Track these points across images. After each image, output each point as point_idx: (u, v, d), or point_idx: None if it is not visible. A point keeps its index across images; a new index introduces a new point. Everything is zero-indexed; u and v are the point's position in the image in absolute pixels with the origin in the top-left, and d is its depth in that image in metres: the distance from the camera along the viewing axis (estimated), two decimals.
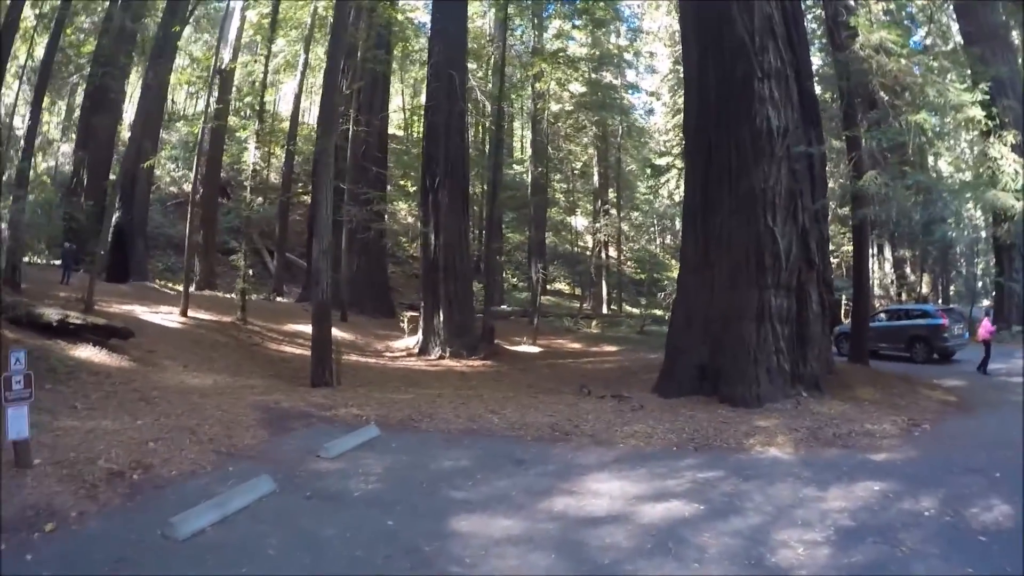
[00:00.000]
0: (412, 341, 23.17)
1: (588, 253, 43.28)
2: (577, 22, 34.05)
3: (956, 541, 7.17)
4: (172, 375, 15.57)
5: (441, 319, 22.15)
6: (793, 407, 13.97)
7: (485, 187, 36.07)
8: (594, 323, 33.34)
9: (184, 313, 21.96)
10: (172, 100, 42.76)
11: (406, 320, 24.15)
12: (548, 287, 45.55)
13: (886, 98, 16.21)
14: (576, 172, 44.55)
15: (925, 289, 38.65)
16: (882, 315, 23.48)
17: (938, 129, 15.38)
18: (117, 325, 16.48)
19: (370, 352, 22.60)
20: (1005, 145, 17.55)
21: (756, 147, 15.06)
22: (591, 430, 12.36)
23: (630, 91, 44.32)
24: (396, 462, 10.04)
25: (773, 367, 14.46)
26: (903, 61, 15.46)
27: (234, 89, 34.11)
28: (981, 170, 17.31)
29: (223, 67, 31.42)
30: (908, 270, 40.95)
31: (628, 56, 44.75)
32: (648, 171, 32.92)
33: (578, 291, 44.69)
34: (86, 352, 14.85)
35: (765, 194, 14.78)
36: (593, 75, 38.66)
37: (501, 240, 35.96)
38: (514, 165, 40.54)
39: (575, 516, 8.00)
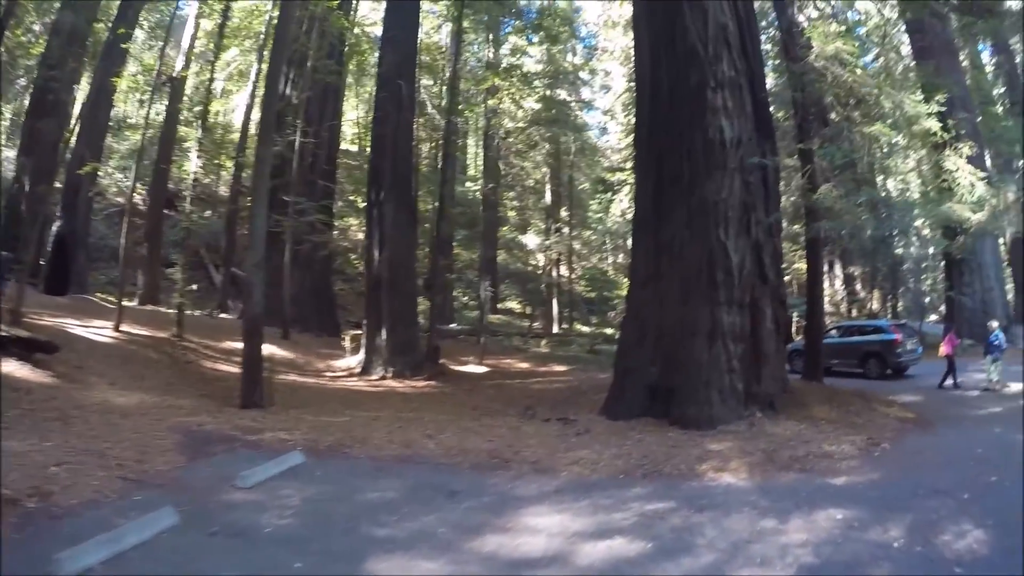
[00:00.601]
0: (354, 360, 21.98)
1: (539, 271, 42.25)
2: (533, 38, 33.06)
3: None
4: (97, 393, 14.23)
5: (384, 337, 21.00)
6: (747, 428, 13.19)
7: (436, 204, 35.14)
8: (544, 342, 32.30)
9: (117, 328, 20.47)
10: (124, 108, 40.72)
11: (348, 338, 22.83)
12: (499, 306, 44.67)
13: (841, 111, 15.51)
14: (529, 190, 43.63)
15: (876, 305, 38.45)
16: (834, 331, 22.93)
17: (894, 141, 14.69)
18: (42, 339, 15.09)
19: (310, 372, 21.37)
20: (961, 157, 17.06)
21: (709, 158, 14.33)
22: (532, 456, 11.42)
23: (584, 109, 43.72)
24: (318, 493, 9.04)
25: (726, 387, 13.65)
26: (859, 71, 14.80)
27: (185, 98, 32.63)
28: (936, 184, 16.78)
29: (174, 75, 30.03)
30: (859, 286, 40.80)
31: (584, 75, 44.20)
32: (599, 187, 32.06)
33: (529, 310, 43.64)
34: (8, 367, 13.49)
35: (718, 206, 14.03)
36: (548, 92, 37.91)
37: (451, 257, 34.87)
38: (467, 183, 39.35)
39: (507, 557, 7.10)
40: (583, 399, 17.31)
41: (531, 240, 44.56)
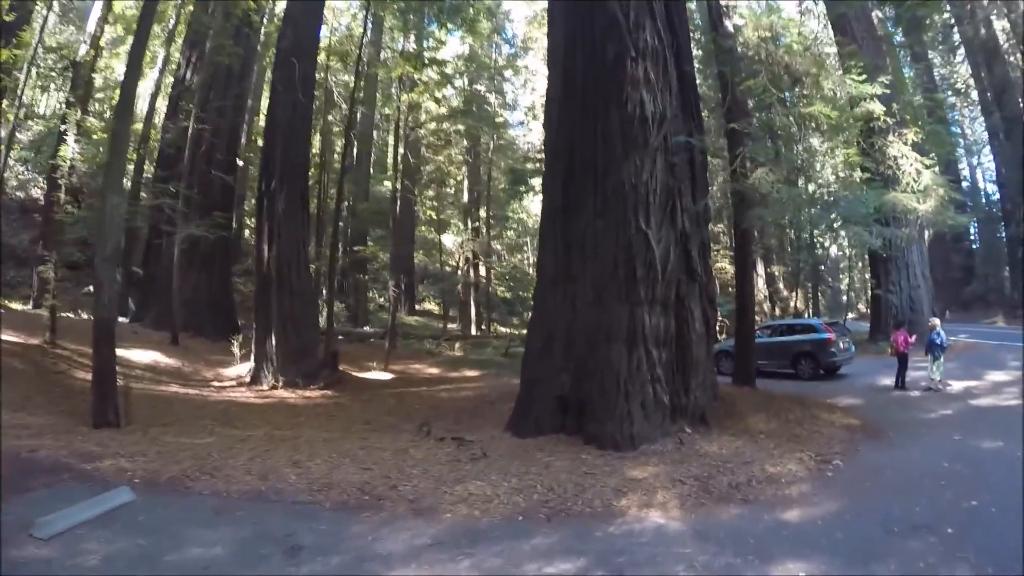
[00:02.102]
0: (245, 368, 18.97)
1: (456, 271, 39.47)
2: (451, 30, 30.07)
3: None
4: None
5: (274, 343, 18.04)
6: (675, 448, 10.98)
7: (350, 202, 32.15)
8: (457, 345, 29.44)
9: None
10: (23, 95, 36.32)
11: (238, 344, 19.69)
12: (417, 307, 41.83)
13: (773, 92, 13.28)
14: (447, 189, 40.74)
15: (798, 304, 37.06)
16: (764, 331, 20.82)
17: (834, 123, 12.51)
18: None
19: (196, 382, 18.38)
20: (906, 144, 15.04)
21: (627, 136, 11.94)
22: (413, 492, 9.06)
23: (507, 108, 40.80)
24: (127, 548, 6.97)
25: (649, 399, 11.27)
26: (795, 47, 12.60)
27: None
28: (876, 172, 14.80)
29: (77, 59, 26.55)
30: (781, 285, 39.41)
31: (508, 73, 41.68)
32: (509, 179, 29.25)
33: (450, 311, 40.87)
34: None
35: (637, 191, 11.62)
36: (467, 87, 35.26)
37: (348, 255, 31.88)
38: (385, 182, 35.93)
39: None
40: (490, 411, 14.78)
41: (450, 240, 41.58)
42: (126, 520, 7.68)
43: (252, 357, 18.71)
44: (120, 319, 24.50)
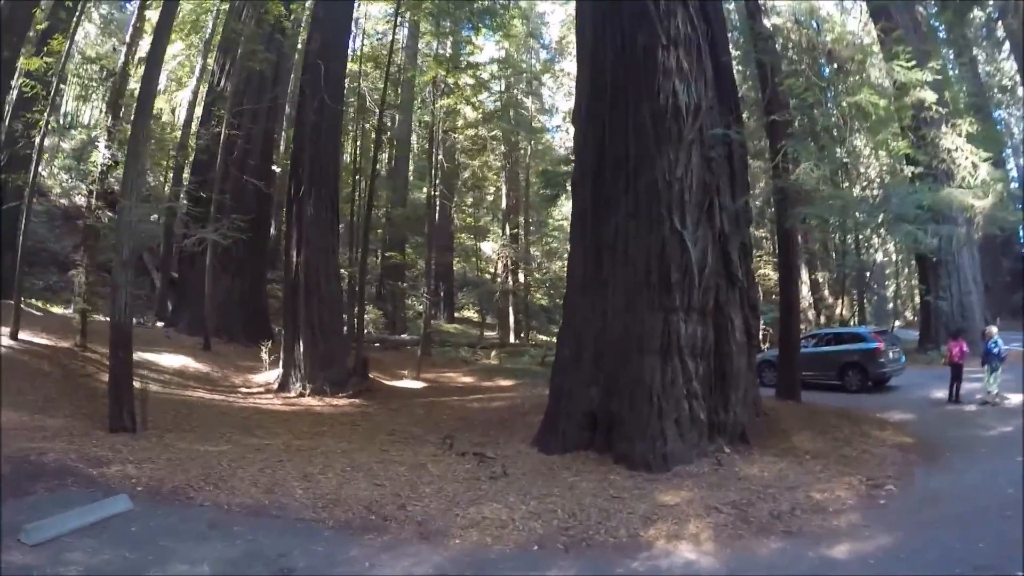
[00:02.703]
0: (274, 375, 18.19)
1: (495, 278, 38.25)
2: (487, 32, 29.00)
3: None
4: None
5: (301, 350, 17.23)
6: (712, 470, 9.86)
7: (388, 208, 31.28)
8: (494, 353, 28.21)
9: (15, 336, 16.79)
10: (65, 104, 36.39)
11: (267, 351, 18.92)
12: (456, 315, 40.77)
13: (817, 80, 12.02)
14: (487, 195, 39.61)
15: (844, 311, 35.21)
16: (808, 340, 19.32)
17: (882, 113, 11.17)
18: None
19: (223, 387, 17.66)
20: (960, 135, 13.52)
21: (659, 129, 10.84)
22: (423, 513, 8.20)
23: (545, 114, 39.46)
24: (111, 560, 6.51)
25: (684, 416, 10.12)
26: (837, 30, 11.34)
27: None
28: (930, 166, 13.27)
29: (115, 68, 26.22)
30: (826, 292, 37.54)
31: (546, 78, 40.51)
32: (541, 184, 27.89)
33: (487, 319, 39.68)
34: None
35: (671, 188, 10.50)
36: (504, 92, 34.21)
37: (384, 262, 30.92)
38: (424, 188, 34.84)
39: None
40: (520, 423, 13.71)
41: (488, 246, 40.43)
42: (118, 530, 7.21)
43: (280, 364, 17.92)
44: (159, 324, 24.21)
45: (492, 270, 38.15)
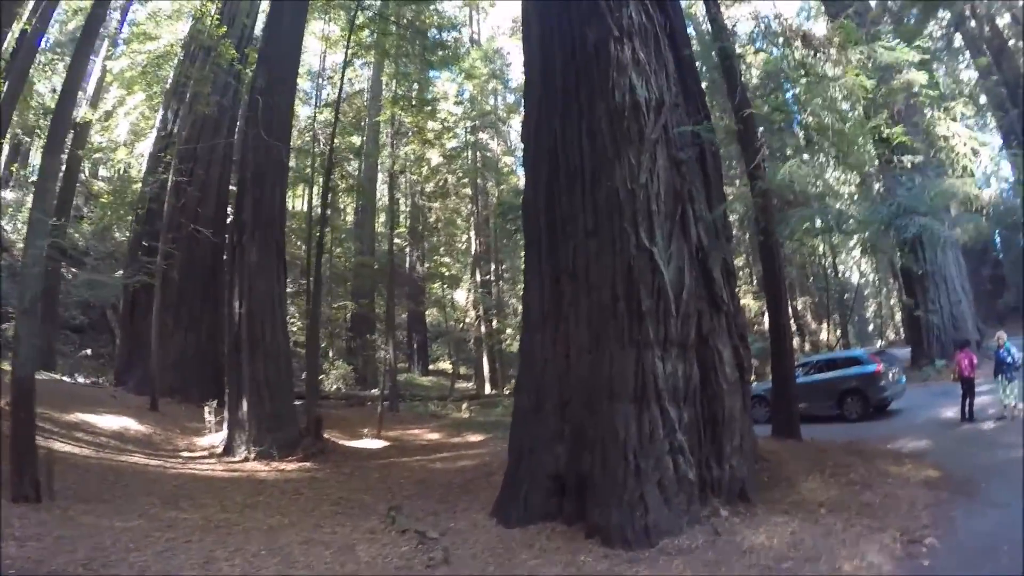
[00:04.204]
0: (220, 438, 15.59)
1: (466, 328, 35.50)
2: (440, 72, 27.01)
3: None
4: None
5: (246, 409, 14.70)
6: (707, 541, 7.46)
7: (354, 258, 28.91)
8: (464, 406, 25.30)
9: None
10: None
11: (211, 411, 16.31)
12: (432, 366, 37.99)
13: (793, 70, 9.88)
14: (458, 244, 36.94)
15: (827, 336, 32.97)
16: (799, 369, 16.78)
17: (871, 96, 9.03)
18: None
19: (164, 452, 15.08)
20: (954, 120, 11.38)
21: (616, 130, 8.65)
22: None
23: (511, 154, 37.02)
24: None
25: (668, 476, 7.69)
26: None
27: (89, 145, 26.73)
28: (932, 154, 11.10)
29: (77, 119, 24.26)
30: (809, 318, 35.33)
31: (514, 120, 38.43)
32: (500, 212, 25.37)
33: (462, 370, 36.85)
34: None
35: (635, 197, 8.23)
36: (470, 136, 32.03)
37: (371, 314, 28.37)
38: (395, 238, 32.30)
39: None
40: (484, 485, 11.22)
41: (461, 295, 37.57)
42: None
43: (225, 425, 15.37)
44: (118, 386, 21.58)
45: (467, 319, 35.44)
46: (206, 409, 16.39)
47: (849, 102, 9.32)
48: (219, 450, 15.20)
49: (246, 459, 14.50)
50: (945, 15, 25.40)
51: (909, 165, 9.50)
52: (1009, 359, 12.75)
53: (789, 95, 10.72)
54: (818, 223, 9.92)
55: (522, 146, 11.78)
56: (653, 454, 7.62)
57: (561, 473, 8.46)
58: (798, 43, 9.93)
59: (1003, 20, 31.89)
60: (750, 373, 9.32)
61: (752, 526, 7.68)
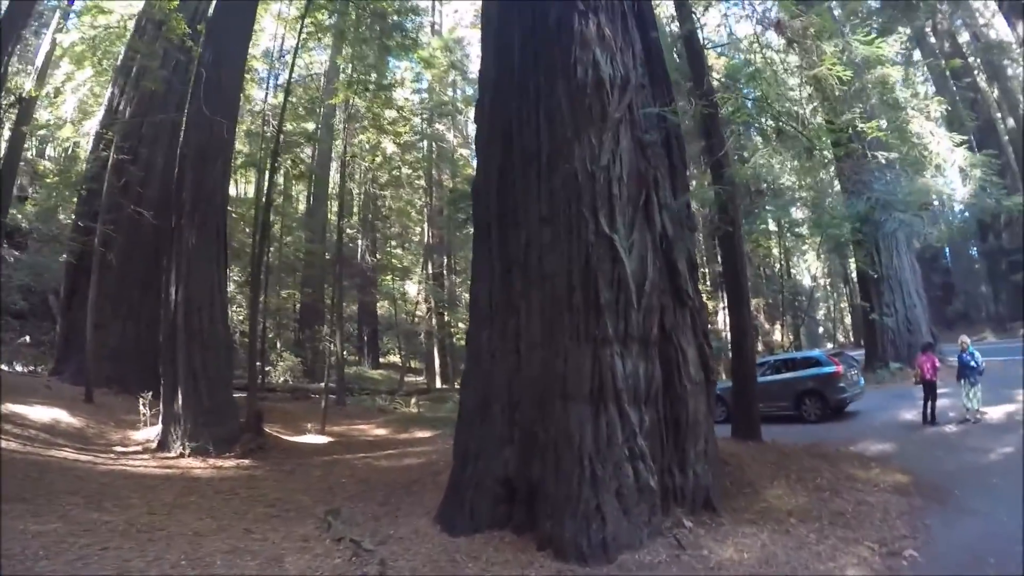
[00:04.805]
0: (155, 432, 14.38)
1: (416, 321, 34.32)
2: (402, 54, 25.75)
3: None
4: None
5: (180, 402, 13.54)
6: (671, 556, 6.73)
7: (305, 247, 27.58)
8: (413, 401, 24.00)
9: None
10: None
11: (146, 403, 15.05)
12: (383, 360, 36.71)
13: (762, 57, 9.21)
14: (411, 235, 35.67)
15: (780, 337, 32.77)
16: (757, 369, 16.22)
17: (846, 87, 8.38)
18: None
19: (96, 446, 13.85)
20: (928, 118, 10.84)
21: (577, 109, 7.82)
22: None
23: (468, 147, 35.83)
24: None
25: (627, 484, 6.91)
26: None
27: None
28: (905, 151, 10.56)
29: (23, 93, 22.74)
30: (762, 319, 35.11)
31: (471, 112, 37.36)
32: (450, 202, 24.35)
33: (413, 364, 35.68)
34: None
35: (594, 181, 7.41)
36: (426, 127, 30.90)
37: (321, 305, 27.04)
38: (348, 229, 30.83)
39: None
40: (430, 486, 10.34)
41: (413, 287, 36.26)
42: None
43: (160, 419, 14.16)
44: (53, 377, 20.07)
45: (419, 312, 34.23)
46: (141, 401, 15.12)
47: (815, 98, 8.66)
48: (154, 445, 14.02)
49: (181, 455, 13.38)
50: (905, 30, 25.20)
51: (883, 161, 8.90)
52: (973, 363, 12.44)
53: (749, 100, 10.03)
54: (795, 214, 9.26)
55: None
56: (611, 460, 6.82)
57: (510, 478, 7.62)
58: (768, 35, 9.22)
59: (962, 38, 32.16)
60: (714, 373, 8.57)
61: (719, 538, 7.00)
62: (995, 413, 12.77)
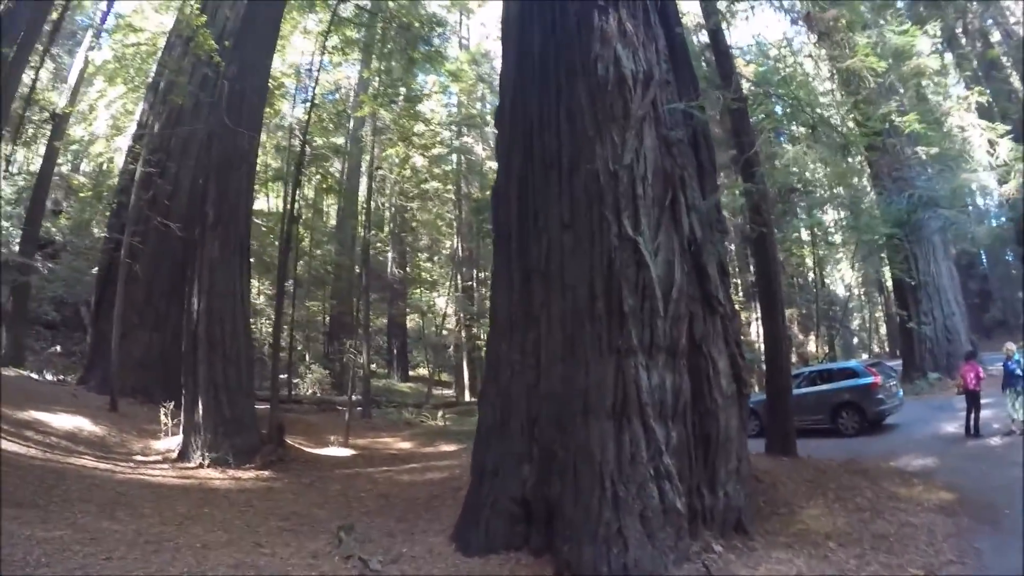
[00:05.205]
0: (176, 441, 14.15)
1: (446, 333, 33.77)
2: (424, 65, 25.43)
3: None
4: None
5: (201, 412, 13.27)
6: None
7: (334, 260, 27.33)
8: (440, 414, 23.43)
9: None
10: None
11: (168, 413, 14.81)
12: (412, 372, 36.19)
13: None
14: (442, 249, 35.24)
15: (815, 348, 31.70)
16: (792, 380, 15.46)
17: (881, 80, 7.78)
18: None
19: (117, 455, 13.64)
20: (968, 110, 10.11)
21: (599, 106, 7.35)
22: None
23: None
24: None
25: (652, 506, 6.35)
26: None
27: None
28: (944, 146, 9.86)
29: (56, 110, 23.11)
30: (796, 329, 34.07)
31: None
32: (475, 211, 23.97)
33: (443, 377, 35.22)
34: None
35: (617, 181, 6.91)
36: (454, 140, 30.58)
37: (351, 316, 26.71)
38: (374, 240, 30.42)
39: None
40: (451, 502, 9.88)
41: (443, 300, 35.68)
42: None
43: (180, 429, 13.92)
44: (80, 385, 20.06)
45: (445, 324, 33.77)
46: (162, 411, 14.89)
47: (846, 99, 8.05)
48: (174, 455, 13.78)
49: (201, 465, 13.11)
50: (936, 27, 24.27)
51: (924, 156, 8.26)
52: (1020, 371, 11.59)
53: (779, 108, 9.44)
54: (827, 219, 8.65)
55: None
56: (635, 480, 6.28)
57: (528, 498, 7.11)
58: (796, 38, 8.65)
59: (994, 37, 30.98)
60: (748, 386, 7.97)
61: (751, 564, 6.42)
62: None
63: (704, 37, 15.72)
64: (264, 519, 10.07)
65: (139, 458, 14.02)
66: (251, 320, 23.20)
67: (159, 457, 14.12)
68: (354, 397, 21.31)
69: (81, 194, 28.16)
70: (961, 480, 9.16)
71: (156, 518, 9.48)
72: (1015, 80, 29.97)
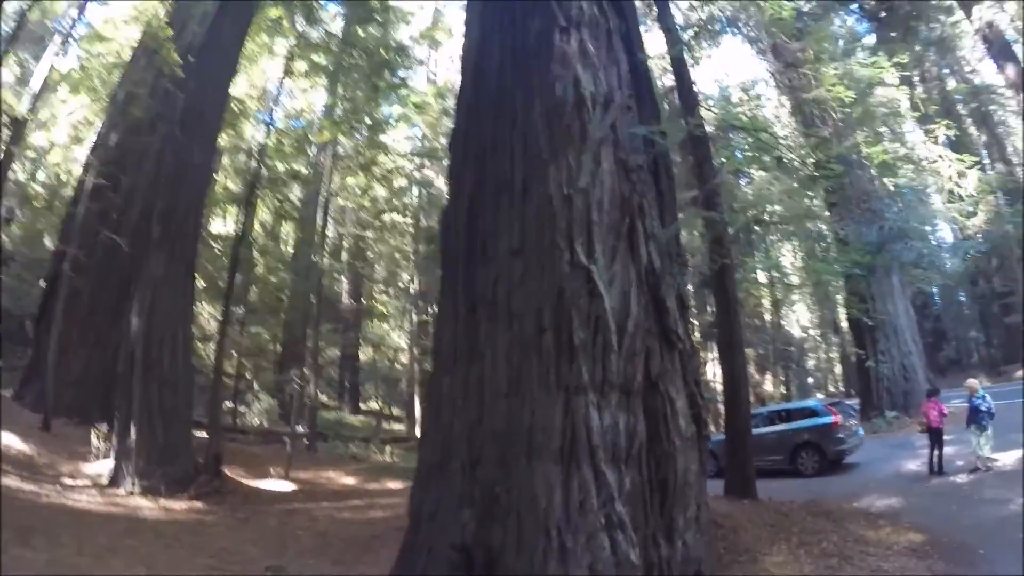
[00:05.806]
0: (108, 466, 13.13)
1: (396, 366, 32.99)
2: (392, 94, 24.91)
3: None
4: None
5: (134, 437, 12.32)
6: None
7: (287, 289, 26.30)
8: (388, 449, 22.49)
9: None
10: None
11: (100, 435, 13.75)
12: (363, 406, 35.12)
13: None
14: (398, 283, 34.39)
15: (769, 387, 31.61)
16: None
17: (849, 110, 7.46)
18: None
19: (43, 477, 12.56)
20: (935, 141, 9.87)
21: (555, 128, 6.87)
22: None
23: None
24: None
25: (604, 557, 5.73)
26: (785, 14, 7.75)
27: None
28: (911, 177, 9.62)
29: (17, 115, 22.00)
30: (752, 369, 33.93)
31: None
32: (426, 239, 23.45)
33: (395, 411, 34.16)
34: None
35: (571, 205, 6.40)
36: (415, 173, 30.01)
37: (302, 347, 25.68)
38: (331, 271, 29.64)
39: None
40: (389, 543, 9.12)
41: (395, 334, 34.66)
42: None
43: (113, 454, 12.91)
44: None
45: (398, 359, 32.87)
46: (93, 433, 13.82)
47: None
48: (104, 480, 12.75)
49: (131, 493, 12.16)
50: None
51: (892, 187, 8.00)
52: (985, 407, 11.31)
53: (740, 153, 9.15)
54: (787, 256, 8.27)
55: None
56: (584, 529, 5.65)
57: (468, 545, 6.41)
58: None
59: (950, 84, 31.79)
60: (708, 427, 7.41)
61: None
62: (1006, 459, 11.57)
63: (669, 80, 15.47)
64: (191, 555, 9.25)
65: (67, 481, 12.94)
66: (199, 345, 22.17)
67: (88, 482, 13.06)
68: (300, 429, 20.30)
69: (35, 203, 27.03)
70: (929, 520, 8.76)
71: (74, 548, 8.72)
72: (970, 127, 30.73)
